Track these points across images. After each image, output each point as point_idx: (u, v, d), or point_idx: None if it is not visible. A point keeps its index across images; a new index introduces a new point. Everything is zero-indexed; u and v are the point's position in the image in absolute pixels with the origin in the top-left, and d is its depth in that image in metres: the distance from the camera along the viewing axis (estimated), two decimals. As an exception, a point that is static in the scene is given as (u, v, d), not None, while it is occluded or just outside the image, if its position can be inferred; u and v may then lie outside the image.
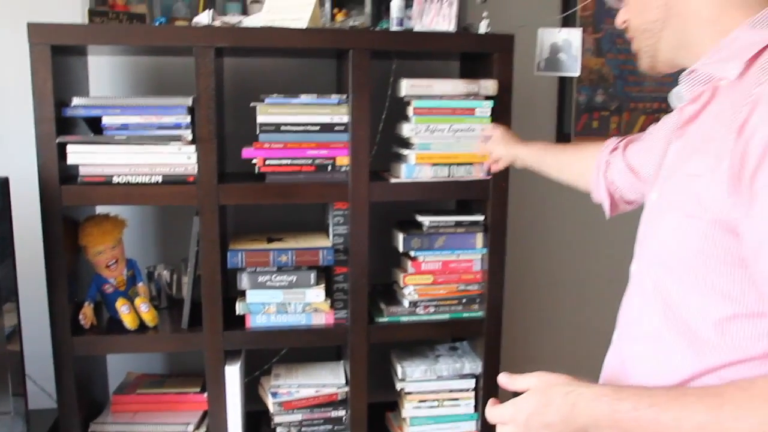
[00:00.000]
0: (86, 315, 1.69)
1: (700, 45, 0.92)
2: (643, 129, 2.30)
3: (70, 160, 1.61)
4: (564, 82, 2.21)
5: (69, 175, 1.64)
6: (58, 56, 1.57)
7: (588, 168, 1.42)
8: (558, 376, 0.92)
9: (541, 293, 2.35)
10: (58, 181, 1.59)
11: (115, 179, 1.63)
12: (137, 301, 1.73)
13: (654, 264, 0.95)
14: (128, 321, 1.70)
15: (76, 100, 1.62)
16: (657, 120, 2.30)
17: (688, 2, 0.91)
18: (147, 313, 1.71)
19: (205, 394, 1.77)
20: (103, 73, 1.94)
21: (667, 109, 2.29)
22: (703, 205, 0.83)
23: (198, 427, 1.76)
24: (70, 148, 1.61)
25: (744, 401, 0.76)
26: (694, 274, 0.87)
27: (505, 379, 0.96)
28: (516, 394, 1.04)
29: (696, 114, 0.93)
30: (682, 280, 0.89)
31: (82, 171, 1.63)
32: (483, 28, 1.74)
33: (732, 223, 0.81)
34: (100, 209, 1.83)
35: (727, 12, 0.89)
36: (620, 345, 1.07)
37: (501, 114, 1.75)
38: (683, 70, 0.96)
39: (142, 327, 1.72)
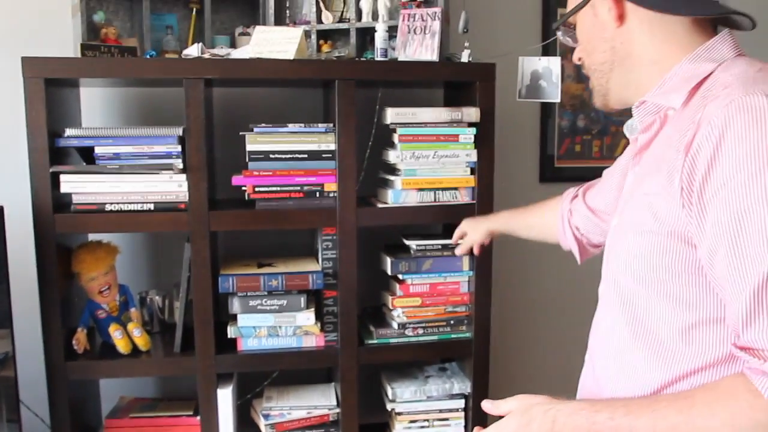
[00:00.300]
0: (79, 340, 1.72)
1: (646, 83, 0.99)
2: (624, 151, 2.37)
3: (64, 188, 1.65)
4: (547, 108, 2.27)
5: (62, 203, 1.67)
6: (51, 88, 1.61)
7: (553, 220, 1.52)
8: (536, 396, 0.98)
9: (527, 313, 2.39)
10: (52, 209, 1.63)
11: (108, 207, 1.67)
12: (130, 326, 1.76)
13: (618, 281, 1.01)
14: (121, 346, 1.72)
15: (69, 131, 1.66)
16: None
17: (632, 46, 0.99)
18: (140, 337, 1.74)
19: (198, 418, 1.80)
20: (95, 103, 1.99)
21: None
22: (660, 219, 0.89)
23: (190, 450, 1.78)
24: (63, 177, 1.65)
25: (712, 400, 0.82)
26: (657, 285, 0.92)
27: (488, 405, 1.02)
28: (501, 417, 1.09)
29: (649, 142, 1.00)
30: (647, 293, 0.94)
31: (75, 199, 1.66)
32: (465, 57, 1.79)
33: (687, 234, 0.87)
34: (92, 236, 1.87)
35: (667, 52, 0.97)
36: (592, 364, 1.12)
37: (484, 140, 1.80)
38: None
39: (135, 351, 1.75)
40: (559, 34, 1.13)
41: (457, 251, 1.78)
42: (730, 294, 0.83)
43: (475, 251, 1.77)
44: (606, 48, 1.01)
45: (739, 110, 0.81)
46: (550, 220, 1.54)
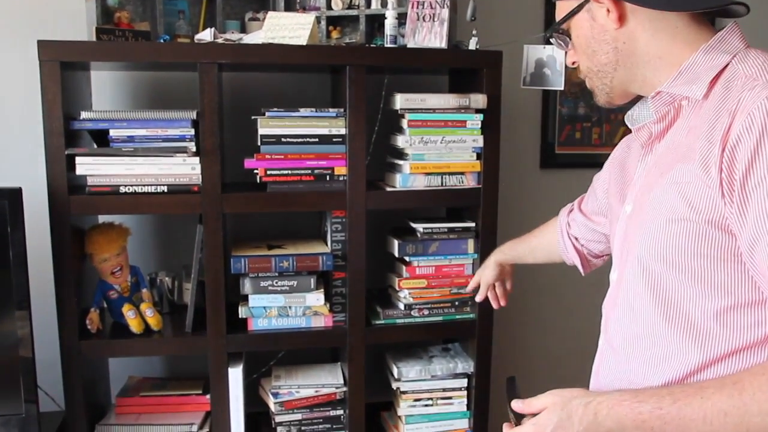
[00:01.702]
0: (93, 320, 1.75)
1: (652, 77, 1.02)
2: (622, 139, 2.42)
3: (79, 171, 1.68)
4: (548, 95, 2.32)
5: (77, 185, 1.70)
6: (65, 71, 1.63)
7: (555, 238, 1.57)
8: (572, 390, 0.97)
9: (529, 295, 2.44)
10: (67, 191, 1.65)
11: (122, 189, 1.69)
12: (142, 306, 1.79)
13: (648, 266, 1.00)
14: (134, 325, 1.76)
15: (84, 114, 1.69)
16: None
17: (635, 44, 1.01)
18: (152, 317, 1.78)
19: (207, 396, 1.84)
20: (105, 87, 2.01)
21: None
22: (695, 208, 0.90)
23: (201, 427, 1.83)
24: (78, 159, 1.67)
25: (763, 383, 0.83)
26: (692, 271, 0.93)
27: (519, 405, 1.01)
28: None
29: (663, 131, 1.03)
30: (680, 278, 0.95)
31: (90, 181, 1.69)
32: (473, 44, 1.83)
33: (725, 223, 0.88)
34: (102, 218, 1.90)
35: (672, 46, 0.99)
36: (611, 349, 1.12)
37: (490, 126, 1.84)
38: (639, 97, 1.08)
39: (147, 331, 1.79)
40: (552, 40, 1.14)
41: (477, 298, 1.77)
42: None
43: (501, 301, 1.76)
44: (608, 50, 1.03)
45: None
46: (552, 238, 1.58)
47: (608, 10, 1.00)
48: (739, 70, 0.93)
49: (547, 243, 1.61)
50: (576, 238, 1.51)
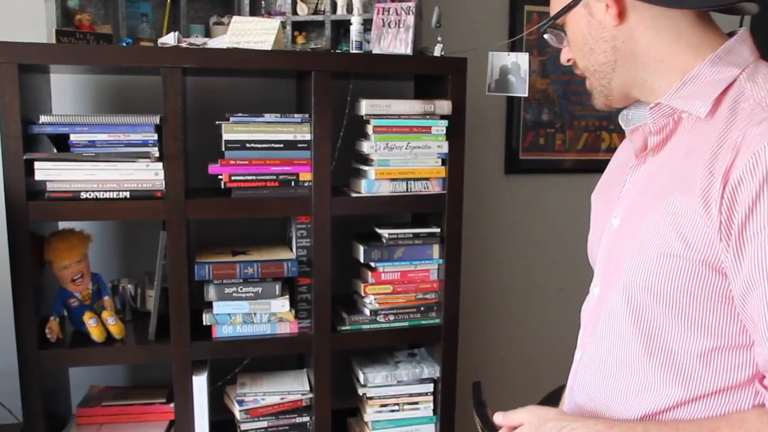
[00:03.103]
0: (52, 329, 1.71)
1: (652, 81, 0.96)
2: (586, 145, 2.46)
3: (38, 176, 1.64)
4: (512, 102, 2.34)
5: (36, 190, 1.66)
6: (23, 74, 1.60)
7: None
8: (548, 410, 0.98)
9: (494, 300, 2.46)
10: (26, 197, 1.62)
11: (83, 195, 1.66)
12: (104, 314, 1.76)
13: (633, 296, 0.94)
14: (96, 334, 1.73)
15: (43, 118, 1.65)
16: (599, 136, 2.46)
17: (635, 44, 0.94)
18: (114, 325, 1.75)
19: (171, 405, 1.81)
20: (65, 90, 1.97)
21: (608, 127, 2.45)
22: (690, 245, 0.85)
23: (165, 436, 1.80)
24: (37, 164, 1.63)
25: None
26: (680, 309, 0.89)
27: (500, 418, 1.04)
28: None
29: (660, 144, 0.96)
30: (667, 314, 0.90)
31: (50, 187, 1.65)
32: (438, 51, 1.84)
33: (720, 265, 0.84)
34: (62, 224, 1.86)
35: (674, 49, 0.92)
36: (586, 368, 1.07)
37: (455, 132, 1.85)
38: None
39: (109, 340, 1.76)
40: (546, 36, 1.06)
41: None
42: (761, 335, 0.83)
43: None
44: (606, 48, 0.96)
45: None
46: None
47: (607, 5, 0.93)
48: (747, 89, 0.87)
49: None
50: None
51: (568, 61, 1.05)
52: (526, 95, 1.94)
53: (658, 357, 0.92)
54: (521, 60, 1.90)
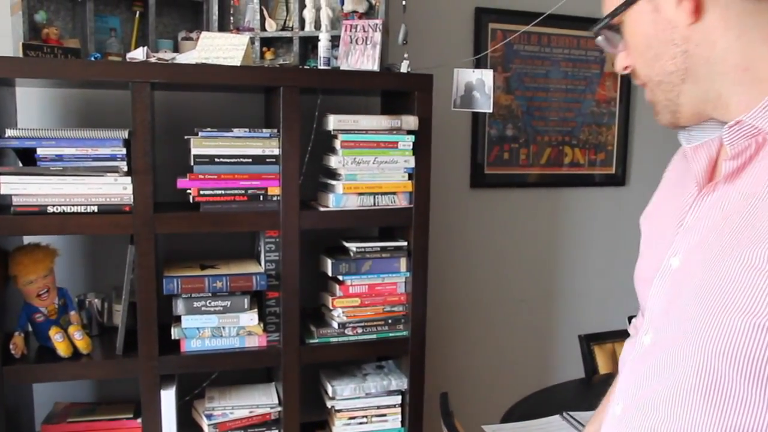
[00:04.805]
0: (17, 344, 1.70)
1: (732, 95, 0.77)
2: (549, 160, 2.52)
3: (3, 190, 1.63)
4: (477, 117, 2.39)
5: (0, 204, 1.65)
6: (-12, 88, 1.60)
7: None
8: None
9: (460, 312, 2.50)
10: (-10, 211, 1.61)
11: (50, 209, 1.65)
12: (71, 329, 1.74)
13: (706, 361, 0.74)
14: (62, 349, 1.71)
15: (9, 132, 1.64)
16: (561, 151, 2.51)
17: (712, 48, 0.76)
18: (81, 340, 1.73)
19: (139, 420, 1.80)
20: (31, 104, 1.96)
21: (570, 142, 2.52)
22: None
23: (132, 452, 1.79)
24: (2, 179, 1.62)
25: None
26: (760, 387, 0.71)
27: None
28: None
29: (738, 170, 0.77)
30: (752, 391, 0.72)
31: (15, 201, 1.64)
32: (404, 67, 1.88)
33: None
34: (27, 239, 1.85)
35: (762, 56, 0.75)
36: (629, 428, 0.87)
37: (421, 147, 1.89)
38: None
39: (76, 355, 1.74)
40: (599, 39, 0.88)
41: None
42: None
43: None
44: (676, 53, 0.78)
45: None
46: None
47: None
48: None
49: None
50: None
51: (625, 69, 0.87)
52: (491, 111, 1.98)
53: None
54: (486, 77, 1.95)
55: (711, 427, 0.75)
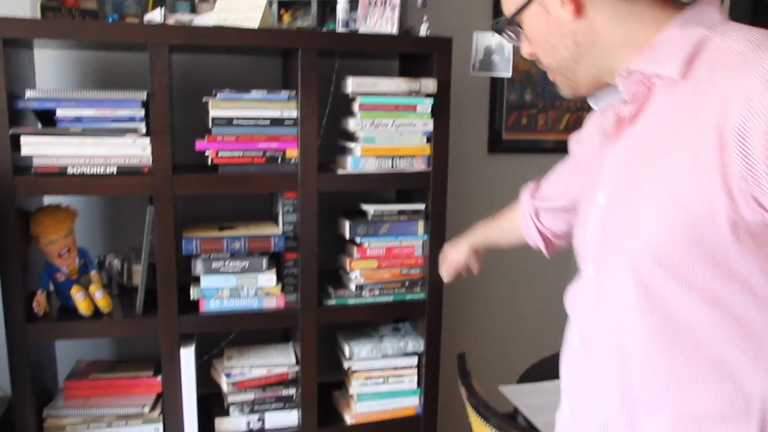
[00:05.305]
0: (40, 302, 1.73)
1: (620, 64, 0.91)
2: (568, 126, 2.50)
3: (24, 151, 1.64)
4: (496, 82, 2.37)
5: (22, 166, 1.67)
6: (7, 49, 1.60)
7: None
8: None
9: (477, 275, 2.50)
10: (12, 172, 1.62)
11: (70, 170, 1.67)
12: (91, 288, 1.77)
13: (642, 279, 0.87)
14: (83, 307, 1.74)
15: (29, 93, 1.65)
16: (580, 117, 2.49)
17: (597, 36, 0.90)
18: (102, 299, 1.76)
19: (159, 377, 1.84)
20: (49, 66, 1.96)
21: (588, 108, 2.49)
22: (690, 207, 0.80)
23: (153, 409, 1.83)
24: (24, 139, 1.64)
25: None
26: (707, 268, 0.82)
27: None
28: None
29: (634, 115, 0.90)
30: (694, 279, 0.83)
31: (36, 162, 1.66)
32: (423, 31, 1.86)
33: (739, 211, 0.78)
34: (47, 200, 1.87)
35: (639, 32, 0.89)
36: (587, 356, 1.00)
37: (440, 110, 1.88)
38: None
39: (96, 314, 1.77)
40: (502, 35, 1.01)
41: (444, 277, 1.65)
42: None
43: (475, 270, 1.64)
44: (568, 44, 0.92)
45: None
46: (519, 217, 1.47)
47: (562, 1, 0.89)
48: (722, 45, 0.82)
49: (517, 224, 1.49)
50: (539, 218, 1.42)
51: (530, 55, 1.00)
52: (510, 75, 1.97)
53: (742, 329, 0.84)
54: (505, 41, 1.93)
55: (651, 324, 0.87)
